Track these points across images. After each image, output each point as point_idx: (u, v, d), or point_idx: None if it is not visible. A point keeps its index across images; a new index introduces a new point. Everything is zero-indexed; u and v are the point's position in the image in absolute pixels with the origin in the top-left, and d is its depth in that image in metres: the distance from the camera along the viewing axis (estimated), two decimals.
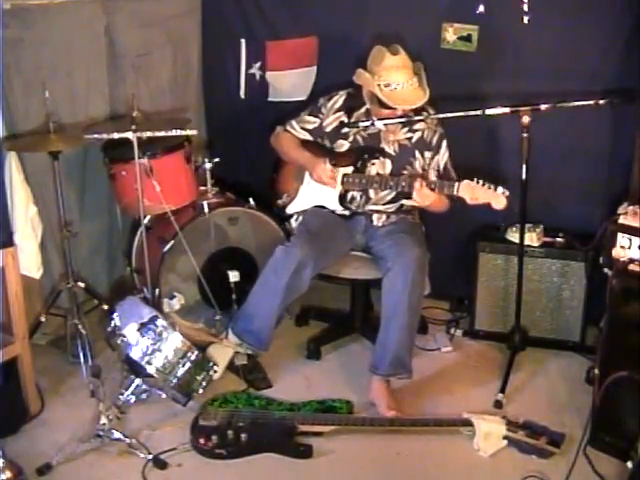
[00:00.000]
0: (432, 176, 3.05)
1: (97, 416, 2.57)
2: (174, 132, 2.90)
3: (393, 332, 2.84)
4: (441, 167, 3.09)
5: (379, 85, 2.87)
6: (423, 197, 2.82)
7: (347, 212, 3.12)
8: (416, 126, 3.04)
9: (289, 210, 3.22)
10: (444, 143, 3.08)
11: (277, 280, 2.88)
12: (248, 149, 3.81)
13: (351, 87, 3.06)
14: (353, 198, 3.10)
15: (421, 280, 2.87)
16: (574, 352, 3.19)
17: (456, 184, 2.80)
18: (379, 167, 3.05)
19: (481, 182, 2.76)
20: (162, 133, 2.89)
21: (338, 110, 3.08)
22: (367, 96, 3.00)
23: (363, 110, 3.04)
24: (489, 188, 2.74)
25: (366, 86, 2.95)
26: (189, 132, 2.96)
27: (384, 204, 3.10)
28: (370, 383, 2.89)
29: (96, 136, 2.88)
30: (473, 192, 2.76)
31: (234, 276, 3.14)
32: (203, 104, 3.88)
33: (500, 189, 2.73)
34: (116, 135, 2.83)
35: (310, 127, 3.14)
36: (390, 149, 3.05)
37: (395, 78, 2.85)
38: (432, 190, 2.81)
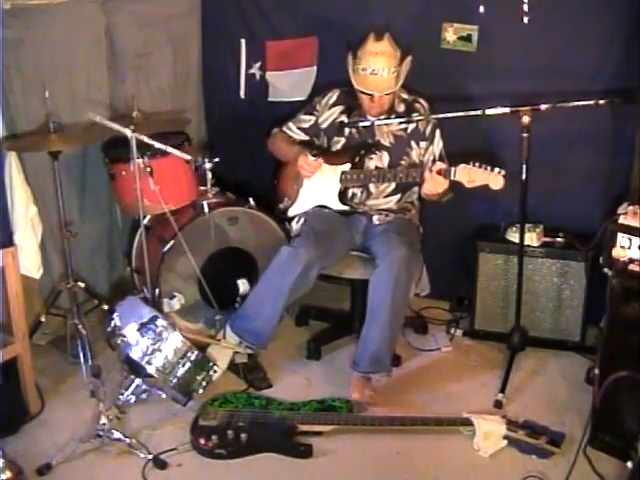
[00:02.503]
0: (437, 167, 3.06)
1: (97, 416, 2.57)
2: (171, 150, 2.86)
3: (374, 330, 2.86)
4: (436, 156, 3.10)
5: (357, 69, 2.91)
6: (436, 185, 2.83)
7: (347, 208, 3.11)
8: (413, 121, 3.04)
9: (291, 213, 3.23)
10: (437, 132, 3.09)
11: (282, 281, 2.88)
12: (248, 149, 3.81)
13: (346, 86, 3.06)
14: (354, 195, 3.11)
15: (406, 280, 2.86)
16: (574, 352, 3.19)
17: (452, 168, 2.80)
18: (377, 161, 3.07)
19: (477, 164, 2.76)
20: (159, 145, 2.85)
21: (333, 106, 3.12)
22: (353, 82, 3.00)
23: (359, 105, 3.05)
24: (485, 169, 2.75)
25: (349, 71, 2.96)
26: (185, 155, 2.93)
27: (385, 196, 3.10)
28: (351, 380, 2.90)
29: (98, 118, 2.80)
30: (470, 175, 2.76)
31: (244, 287, 3.12)
32: (203, 104, 3.88)
33: (496, 169, 2.74)
34: (116, 126, 2.79)
35: (306, 126, 3.17)
36: (385, 141, 3.07)
37: (372, 63, 2.87)
38: (444, 177, 2.81)
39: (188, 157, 2.98)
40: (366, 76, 2.89)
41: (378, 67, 2.87)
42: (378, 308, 2.84)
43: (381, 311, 2.83)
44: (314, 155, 3.02)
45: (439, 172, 2.82)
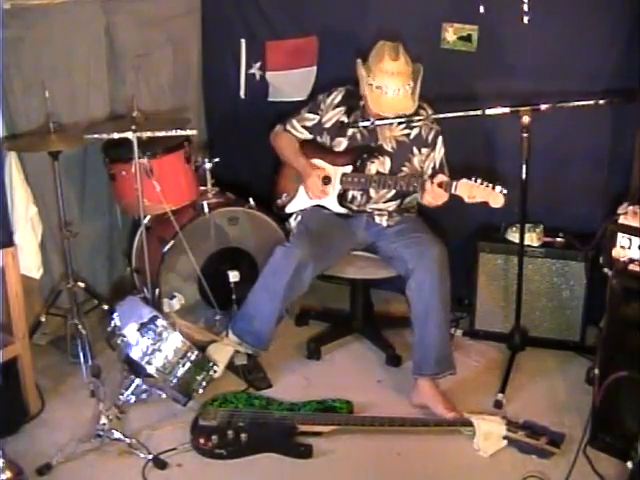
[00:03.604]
0: (429, 172, 3.06)
1: (97, 416, 2.57)
2: (174, 132, 2.90)
3: (432, 331, 2.83)
4: (437, 163, 3.10)
5: (371, 85, 2.89)
6: (436, 197, 2.83)
7: (346, 211, 3.11)
8: (413, 122, 3.04)
9: (288, 209, 3.23)
10: (440, 140, 3.09)
11: (277, 281, 2.88)
12: (248, 149, 3.80)
13: (350, 84, 3.07)
14: (354, 197, 3.11)
15: (446, 275, 2.86)
16: (574, 352, 3.19)
17: (454, 183, 2.80)
18: (379, 165, 3.06)
19: (479, 181, 2.76)
20: (162, 133, 2.88)
21: (337, 106, 3.11)
22: (362, 90, 2.98)
23: (361, 105, 3.04)
24: (487, 186, 2.74)
25: (360, 80, 2.96)
26: (189, 132, 2.96)
27: (385, 202, 3.10)
28: (416, 386, 2.86)
29: (96, 136, 2.88)
30: (471, 191, 2.76)
31: (234, 276, 3.13)
32: (203, 104, 3.88)
33: (498, 187, 2.73)
34: (116, 135, 2.83)
35: (309, 124, 3.16)
36: (388, 146, 3.07)
37: (388, 83, 2.86)
38: (445, 190, 2.81)
39: (194, 132, 2.99)
40: (380, 95, 2.87)
41: (394, 87, 2.85)
42: (430, 309, 2.82)
43: (434, 311, 2.82)
44: (325, 182, 3.03)
45: (440, 185, 2.81)
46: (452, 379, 2.99)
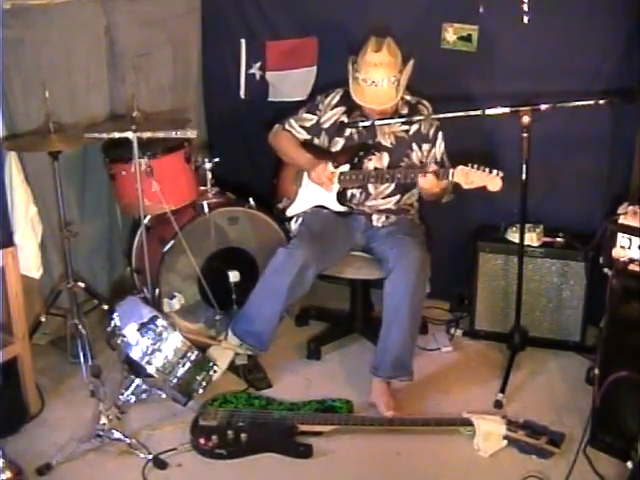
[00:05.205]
0: (431, 167, 3.06)
1: (97, 416, 2.57)
2: (174, 134, 2.89)
3: (395, 334, 2.84)
4: (438, 159, 3.10)
5: (357, 78, 2.90)
6: (426, 182, 2.84)
7: (346, 209, 3.11)
8: (413, 121, 3.04)
9: (289, 213, 3.23)
10: (440, 135, 3.09)
11: (280, 282, 2.88)
12: (248, 149, 3.81)
13: (348, 85, 3.07)
14: (353, 195, 3.11)
15: (422, 282, 2.87)
16: (574, 352, 3.19)
17: (451, 170, 2.81)
18: (376, 161, 3.06)
19: (475, 166, 2.77)
20: (162, 134, 2.88)
21: (335, 106, 3.11)
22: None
23: (360, 107, 3.04)
24: (483, 171, 2.75)
25: (349, 76, 2.96)
26: (189, 134, 2.95)
27: (384, 197, 3.10)
28: (370, 385, 2.89)
29: (96, 136, 2.88)
30: (468, 176, 2.77)
31: (234, 276, 3.13)
32: (203, 104, 3.88)
33: (495, 171, 2.74)
34: (116, 135, 2.83)
35: (308, 124, 3.16)
36: (387, 142, 3.07)
37: (372, 75, 2.87)
38: (441, 177, 2.82)
39: (194, 134, 2.97)
40: (365, 88, 2.88)
41: (378, 79, 2.86)
42: (397, 312, 2.83)
43: (401, 314, 2.82)
44: (335, 167, 3.02)
45: (437, 172, 2.83)
46: (452, 379, 3.00)
